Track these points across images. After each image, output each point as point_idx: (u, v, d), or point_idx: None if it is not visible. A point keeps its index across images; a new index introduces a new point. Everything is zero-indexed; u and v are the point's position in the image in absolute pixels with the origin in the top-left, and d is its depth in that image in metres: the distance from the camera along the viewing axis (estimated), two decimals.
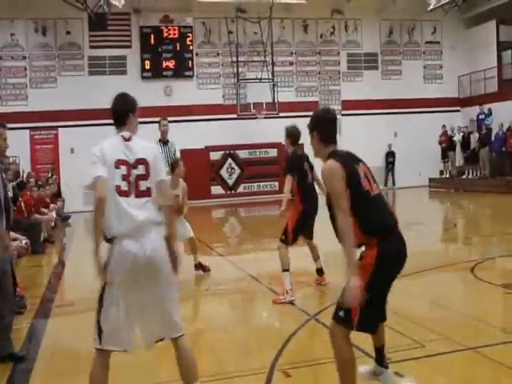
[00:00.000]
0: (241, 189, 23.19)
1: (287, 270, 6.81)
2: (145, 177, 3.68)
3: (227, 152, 23.11)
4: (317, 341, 5.38)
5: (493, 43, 25.28)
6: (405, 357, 4.66)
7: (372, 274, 3.52)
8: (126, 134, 3.80)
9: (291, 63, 24.05)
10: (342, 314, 3.58)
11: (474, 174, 22.35)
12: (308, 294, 7.12)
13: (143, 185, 3.68)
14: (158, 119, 9.26)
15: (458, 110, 25.63)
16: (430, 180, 24.17)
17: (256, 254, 10.73)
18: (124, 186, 3.63)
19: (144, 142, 3.85)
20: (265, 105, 22.08)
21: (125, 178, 3.64)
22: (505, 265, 8.74)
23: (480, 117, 23.20)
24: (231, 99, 22.88)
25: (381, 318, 3.77)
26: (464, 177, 22.80)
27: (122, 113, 3.86)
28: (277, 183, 22.88)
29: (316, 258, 7.47)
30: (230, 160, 23.23)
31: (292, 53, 24.12)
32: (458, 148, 23.26)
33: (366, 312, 3.53)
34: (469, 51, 25.79)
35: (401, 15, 25.02)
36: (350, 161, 3.75)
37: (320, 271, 7.44)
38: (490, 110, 23.03)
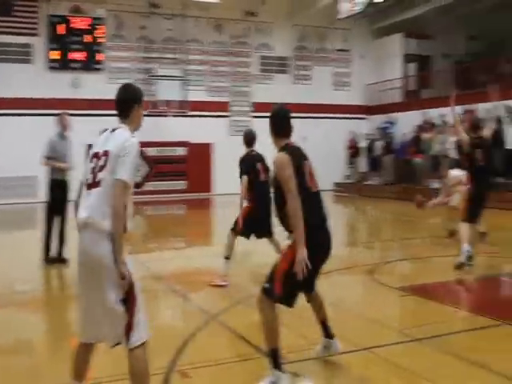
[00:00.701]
0: (148, 187, 22.83)
1: (227, 258, 7.31)
2: (102, 168, 3.51)
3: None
4: (217, 341, 5.36)
5: (399, 55, 26.40)
6: (301, 357, 4.73)
7: (294, 259, 4.06)
8: (119, 125, 3.67)
9: (203, 62, 23.96)
10: (267, 286, 4.20)
11: (378, 181, 23.19)
12: (210, 294, 7.09)
13: (98, 176, 3.50)
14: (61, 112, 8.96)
15: (365, 118, 26.51)
16: (336, 185, 24.84)
17: (161, 253, 10.58)
18: (90, 179, 3.55)
19: (123, 135, 3.61)
20: (175, 103, 21.87)
21: (92, 170, 3.55)
22: (402, 268, 9.11)
23: (385, 125, 24.13)
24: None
25: (297, 296, 4.27)
26: (367, 183, 23.61)
27: (125, 103, 3.70)
28: (185, 182, 22.73)
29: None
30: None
31: (204, 52, 24.03)
32: (364, 154, 24.08)
33: (287, 290, 4.12)
34: (377, 61, 26.73)
35: (313, 22, 25.54)
36: (298, 156, 4.27)
37: None
38: (394, 119, 24.01)
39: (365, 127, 25.62)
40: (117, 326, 3.47)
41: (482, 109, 20.26)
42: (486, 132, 9.10)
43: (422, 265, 9.23)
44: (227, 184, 22.78)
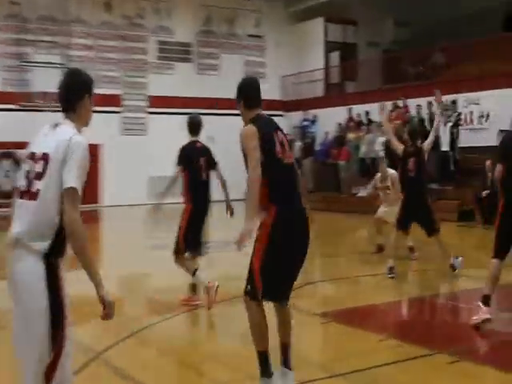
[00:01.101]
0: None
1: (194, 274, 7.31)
2: (39, 176, 3.28)
3: (6, 151, 21.83)
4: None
5: (320, 42, 26.89)
6: None
7: (269, 240, 4.42)
8: (62, 121, 3.43)
9: (89, 47, 23.46)
10: (249, 287, 4.51)
11: None
12: (95, 326, 6.84)
13: (35, 185, 3.28)
14: None
15: (281, 115, 26.80)
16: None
17: None
18: (23, 186, 3.34)
19: (66, 132, 3.36)
20: (54, 95, 21.29)
21: (27, 175, 3.34)
22: (325, 291, 9.21)
23: (304, 123, 24.48)
24: (13, 85, 21.79)
25: (283, 288, 4.58)
26: None
27: (71, 94, 3.48)
28: None
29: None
30: (8, 161, 21.97)
31: (90, 35, 23.53)
32: None
33: (268, 280, 4.41)
34: (295, 49, 27.06)
35: (220, 1, 25.61)
36: (267, 127, 4.66)
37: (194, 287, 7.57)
38: (315, 116, 24.43)
39: (281, 126, 25.84)
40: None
41: (412, 105, 21.02)
42: (428, 140, 9.42)
43: (348, 286, 9.37)
44: (120, 193, 22.43)
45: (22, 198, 3.32)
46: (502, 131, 17.79)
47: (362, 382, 5.07)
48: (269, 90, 26.60)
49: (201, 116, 8.00)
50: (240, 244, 4.32)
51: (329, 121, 23.30)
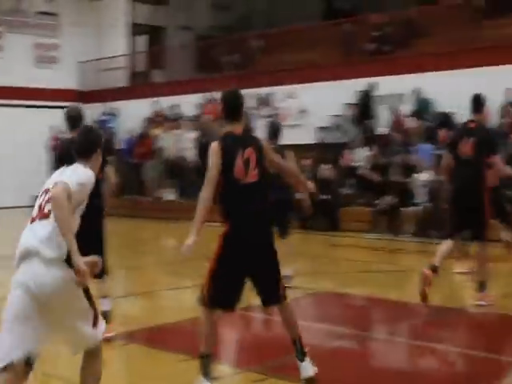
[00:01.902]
0: None
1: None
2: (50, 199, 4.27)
3: None
4: None
5: (124, 24, 26.63)
6: None
7: (220, 252, 5.28)
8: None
9: None
10: (199, 294, 5.40)
11: None
12: None
13: (47, 207, 4.29)
14: None
15: None
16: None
17: None
18: (34, 213, 4.39)
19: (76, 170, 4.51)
20: None
21: (39, 205, 4.41)
22: (127, 308, 9.15)
23: (104, 117, 24.06)
24: None
25: (228, 299, 5.35)
26: None
27: (86, 147, 4.71)
28: None
29: None
30: None
31: None
32: None
33: (214, 289, 5.26)
34: (95, 31, 26.62)
35: None
36: (233, 145, 5.33)
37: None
38: (115, 109, 24.13)
39: None
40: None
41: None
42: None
43: (151, 301, 9.42)
44: None
45: (31, 222, 4.36)
46: (320, 128, 18.79)
47: None
48: (63, 78, 26.01)
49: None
50: (183, 256, 5.24)
51: (133, 115, 23.08)
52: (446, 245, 8.43)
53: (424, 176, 15.43)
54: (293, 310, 5.60)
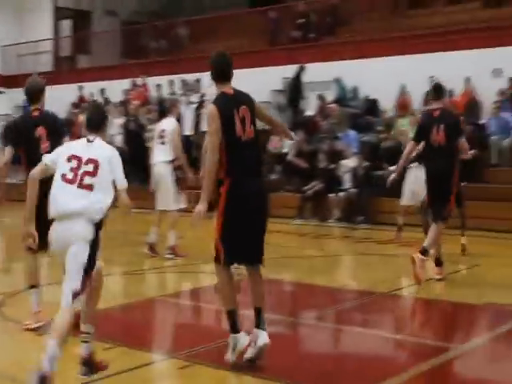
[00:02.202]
0: None
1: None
2: (91, 174, 5.16)
3: None
4: None
5: (48, 8, 26.16)
6: None
7: (224, 208, 5.41)
8: (92, 137, 5.42)
9: None
10: (215, 254, 5.50)
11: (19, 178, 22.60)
12: None
13: (87, 180, 5.14)
14: None
15: (1, 92, 25.67)
16: None
17: None
18: (70, 176, 5.17)
19: (104, 145, 5.42)
20: None
21: (73, 170, 5.19)
22: (50, 295, 8.91)
23: (26, 103, 23.57)
24: None
25: (242, 252, 5.52)
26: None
27: (99, 121, 5.66)
28: None
29: None
30: None
31: None
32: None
33: (227, 245, 5.42)
34: (17, 14, 26.12)
35: None
36: (228, 105, 5.45)
37: None
38: None
39: (2, 105, 24.78)
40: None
41: (151, 84, 21.26)
42: None
43: None
44: None
45: (70, 183, 5.15)
46: None
47: None
48: None
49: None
50: (194, 222, 5.41)
51: (57, 100, 22.59)
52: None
53: (350, 162, 15.54)
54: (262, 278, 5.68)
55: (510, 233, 13.10)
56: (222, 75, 5.65)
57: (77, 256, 5.03)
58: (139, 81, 21.56)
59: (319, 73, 18.50)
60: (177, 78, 20.85)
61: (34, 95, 7.20)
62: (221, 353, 5.58)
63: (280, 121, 7.05)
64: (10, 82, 25.41)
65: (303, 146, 16.83)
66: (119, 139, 19.58)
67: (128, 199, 5.32)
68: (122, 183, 5.29)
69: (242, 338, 5.47)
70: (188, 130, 18.87)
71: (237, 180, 5.41)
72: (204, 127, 18.86)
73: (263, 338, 5.47)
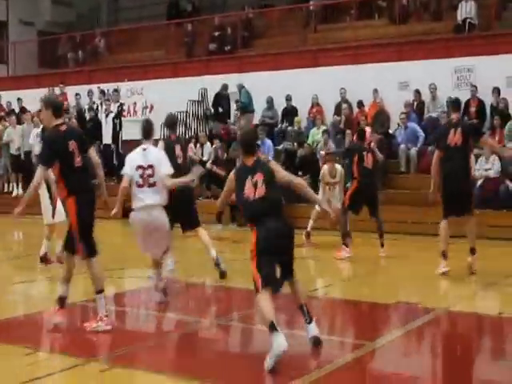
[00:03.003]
0: None
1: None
2: (152, 176, 7.59)
3: None
4: None
5: None
6: None
7: (254, 247, 6.15)
8: (146, 146, 7.79)
9: None
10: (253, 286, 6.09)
11: None
12: None
13: (150, 180, 7.60)
14: None
15: None
16: None
17: None
18: (140, 181, 7.60)
19: (156, 151, 8.00)
20: None
21: (141, 176, 7.59)
22: None
23: None
24: None
25: (273, 281, 6.16)
26: None
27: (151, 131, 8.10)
28: None
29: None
30: None
31: None
32: None
33: (261, 276, 6.03)
34: None
35: None
36: (243, 174, 6.43)
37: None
38: None
39: None
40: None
41: (70, 94, 20.98)
42: None
43: (0, 295, 9.01)
44: None
45: (141, 187, 7.60)
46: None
47: None
48: None
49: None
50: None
51: None
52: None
53: None
54: (299, 282, 6.48)
55: (416, 235, 13.47)
56: (247, 149, 6.49)
57: (160, 230, 7.74)
58: (57, 90, 21.21)
59: (235, 84, 18.63)
60: (95, 87, 20.65)
61: (61, 109, 7.18)
62: (139, 355, 5.53)
63: (297, 180, 7.03)
64: None
65: (220, 153, 16.89)
66: (37, 149, 19.16)
67: (171, 180, 7.77)
68: (169, 170, 7.69)
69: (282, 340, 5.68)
70: (107, 139, 18.71)
71: (259, 227, 6.24)
72: (124, 136, 18.74)
73: (313, 330, 6.25)
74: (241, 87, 18.49)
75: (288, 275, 6.47)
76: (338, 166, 12.69)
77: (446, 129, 9.60)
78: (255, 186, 6.44)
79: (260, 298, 6.00)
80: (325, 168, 12.83)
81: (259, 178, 6.46)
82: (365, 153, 11.24)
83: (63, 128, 6.88)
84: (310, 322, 6.30)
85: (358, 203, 11.13)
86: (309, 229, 12.86)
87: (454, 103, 10.18)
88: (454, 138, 9.19)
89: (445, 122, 10.80)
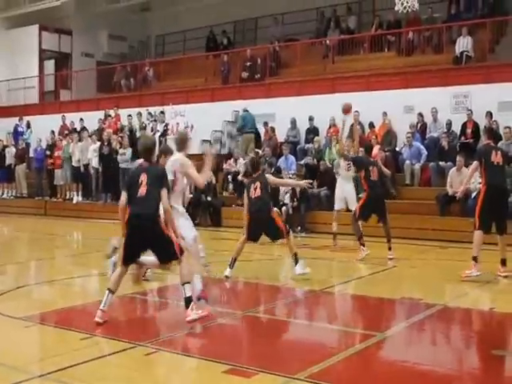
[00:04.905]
0: None
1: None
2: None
3: None
4: None
5: (35, 50, 25.83)
6: None
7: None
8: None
9: None
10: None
11: (10, 194, 22.12)
12: None
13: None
14: None
15: None
16: None
17: None
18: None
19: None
20: None
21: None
22: (35, 294, 8.78)
23: (19, 129, 23.22)
24: None
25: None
26: None
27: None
28: None
29: None
30: None
31: None
32: None
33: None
34: (8, 55, 25.77)
35: None
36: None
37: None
38: (28, 122, 23.31)
39: None
40: None
41: (123, 115, 21.10)
42: None
43: (61, 288, 9.04)
44: None
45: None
46: (204, 141, 18.74)
47: (65, 380, 4.89)
48: None
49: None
50: None
51: (43, 128, 22.34)
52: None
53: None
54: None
55: (419, 239, 13.35)
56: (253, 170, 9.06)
57: None
58: (112, 112, 21.40)
59: (263, 107, 18.66)
60: (144, 110, 20.77)
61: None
62: (182, 341, 5.49)
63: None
64: (1, 112, 25.02)
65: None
66: (95, 161, 19.37)
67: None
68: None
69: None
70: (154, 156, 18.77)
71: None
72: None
73: (298, 269, 8.78)
74: (244, 111, 18.69)
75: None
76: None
77: (486, 149, 9.36)
78: (255, 189, 8.74)
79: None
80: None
81: (259, 184, 8.85)
82: (370, 167, 11.03)
83: None
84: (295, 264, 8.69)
85: (367, 212, 10.98)
86: (334, 229, 12.80)
87: (491, 131, 10.15)
88: (496, 157, 9.11)
89: (482, 145, 10.56)
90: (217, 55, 23.43)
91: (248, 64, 21.31)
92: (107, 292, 6.48)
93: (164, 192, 6.35)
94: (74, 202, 19.80)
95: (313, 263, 9.71)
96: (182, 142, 7.64)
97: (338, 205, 12.99)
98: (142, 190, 6.27)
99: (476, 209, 9.09)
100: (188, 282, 6.34)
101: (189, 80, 22.44)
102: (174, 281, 9.65)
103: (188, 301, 6.32)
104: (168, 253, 6.40)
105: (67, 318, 7.12)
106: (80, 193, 19.98)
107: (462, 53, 17.56)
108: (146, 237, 6.31)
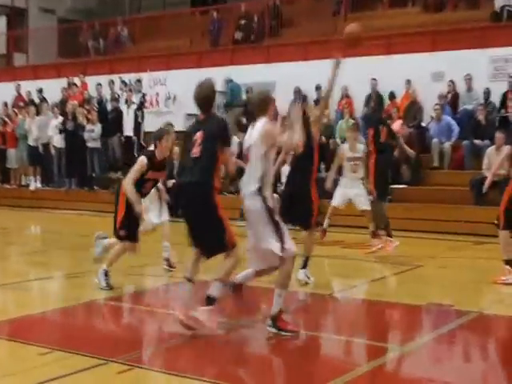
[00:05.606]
0: None
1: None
2: None
3: None
4: None
5: None
6: None
7: None
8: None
9: None
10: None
11: None
12: None
13: None
14: None
15: None
16: None
17: None
18: None
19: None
20: None
21: None
22: None
23: None
24: None
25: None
26: None
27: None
28: None
29: None
30: None
31: None
32: None
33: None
34: None
35: None
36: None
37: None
38: None
39: None
40: None
41: (91, 84, 21.05)
42: None
43: (15, 293, 9.03)
44: None
45: None
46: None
47: None
48: None
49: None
50: None
51: None
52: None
53: None
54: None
55: (450, 234, 13.37)
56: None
57: None
58: (77, 80, 21.33)
59: (262, 74, 18.59)
60: (116, 77, 20.72)
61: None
62: (159, 357, 5.50)
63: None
64: None
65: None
66: (57, 140, 19.35)
67: None
68: None
69: None
70: (129, 131, 18.75)
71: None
72: (145, 127, 18.75)
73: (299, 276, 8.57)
74: (228, 81, 18.73)
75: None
76: (361, 144, 12.01)
77: None
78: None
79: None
80: (344, 145, 12.15)
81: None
82: (380, 126, 10.98)
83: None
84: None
85: (384, 185, 11.09)
86: (325, 226, 12.29)
87: None
88: None
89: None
90: (204, 12, 23.36)
91: (242, 22, 21.27)
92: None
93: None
94: (32, 188, 19.79)
95: (322, 262, 9.74)
96: (265, 104, 6.91)
97: (337, 201, 11.93)
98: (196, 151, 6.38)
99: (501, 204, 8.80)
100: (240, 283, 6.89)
101: (170, 42, 22.38)
102: (153, 285, 9.73)
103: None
104: (215, 241, 6.54)
105: (23, 328, 7.11)
106: (38, 178, 19.97)
107: (502, 7, 17.50)
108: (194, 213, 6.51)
